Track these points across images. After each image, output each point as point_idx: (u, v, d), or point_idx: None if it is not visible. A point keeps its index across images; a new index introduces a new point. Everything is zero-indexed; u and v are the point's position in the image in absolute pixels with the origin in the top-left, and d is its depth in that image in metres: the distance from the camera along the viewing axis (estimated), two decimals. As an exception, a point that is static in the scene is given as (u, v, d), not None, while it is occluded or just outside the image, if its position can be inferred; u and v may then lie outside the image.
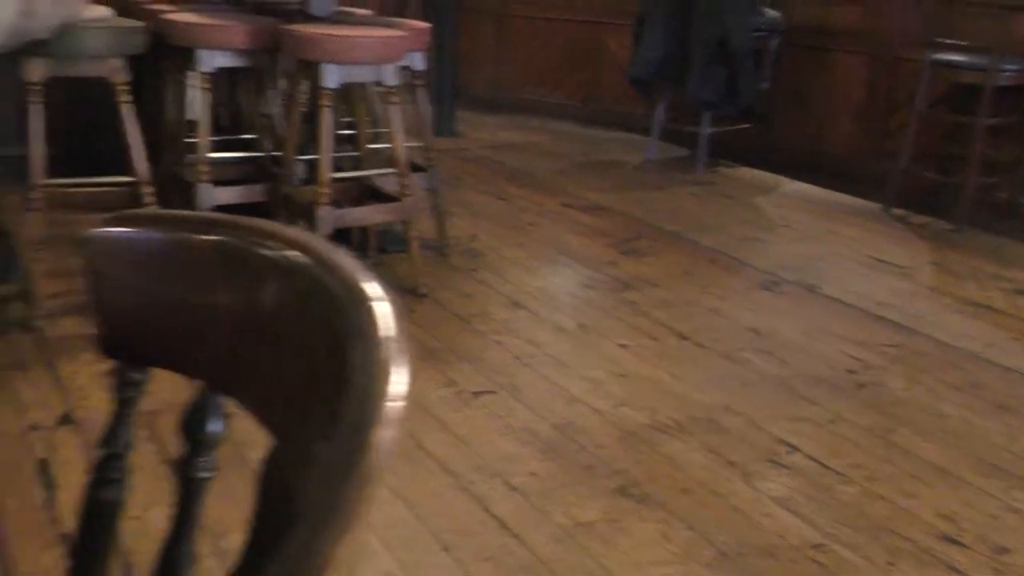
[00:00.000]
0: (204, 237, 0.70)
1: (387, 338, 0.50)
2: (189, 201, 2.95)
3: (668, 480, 2.02)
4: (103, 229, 0.75)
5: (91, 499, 0.76)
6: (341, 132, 3.16)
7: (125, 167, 3.03)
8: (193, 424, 0.71)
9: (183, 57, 2.88)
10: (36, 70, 2.43)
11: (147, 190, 2.66)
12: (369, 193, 3.11)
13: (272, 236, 0.63)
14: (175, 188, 3.03)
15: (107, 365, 0.76)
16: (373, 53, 2.69)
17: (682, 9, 4.32)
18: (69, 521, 1.69)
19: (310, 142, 3.09)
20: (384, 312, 0.52)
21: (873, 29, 4.37)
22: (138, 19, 2.69)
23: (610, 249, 3.51)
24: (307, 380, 0.56)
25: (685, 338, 2.75)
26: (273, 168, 3.18)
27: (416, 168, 3.09)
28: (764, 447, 2.18)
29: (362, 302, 0.54)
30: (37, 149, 2.52)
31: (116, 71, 2.51)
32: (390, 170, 3.02)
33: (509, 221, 3.77)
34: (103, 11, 2.62)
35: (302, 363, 0.57)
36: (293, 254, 0.60)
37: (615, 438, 2.18)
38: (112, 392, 0.76)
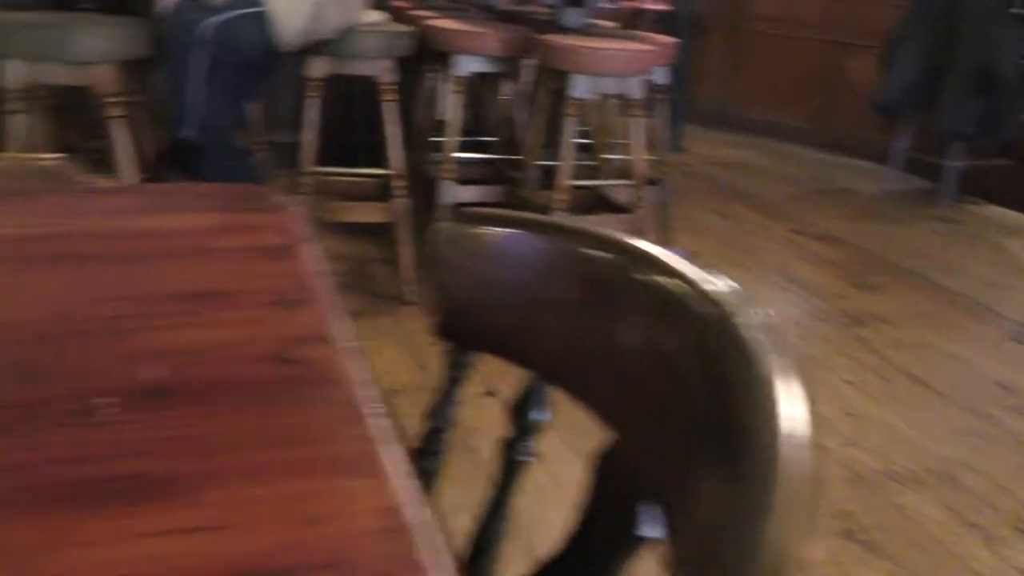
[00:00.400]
0: (544, 237, 0.75)
1: (770, 355, 0.52)
2: (431, 196, 3.13)
3: (899, 531, 1.92)
4: (449, 221, 0.82)
5: (414, 468, 0.84)
6: (578, 141, 3.23)
7: (378, 160, 3.27)
8: (521, 410, 0.77)
9: (440, 61, 3.05)
10: (317, 67, 2.66)
11: (399, 183, 2.85)
12: (600, 202, 3.17)
13: (630, 249, 0.67)
14: (419, 183, 3.23)
15: (442, 346, 0.83)
16: (623, 66, 2.73)
17: (943, 33, 4.07)
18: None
19: (549, 149, 3.19)
20: (759, 321, 0.55)
21: None
22: (405, 24, 2.88)
23: (841, 281, 3.38)
24: (669, 391, 0.59)
25: (921, 384, 2.60)
26: (511, 171, 3.31)
27: (649, 182, 3.12)
28: (1010, 512, 2.03)
29: (728, 311, 0.56)
30: (310, 139, 2.76)
31: (386, 71, 2.71)
32: (623, 181, 3.07)
33: (733, 242, 3.71)
34: (379, 16, 2.83)
35: (662, 373, 0.61)
36: (653, 270, 0.64)
37: (842, 478, 2.10)
38: (444, 371, 0.84)
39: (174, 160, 2.50)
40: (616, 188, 3.20)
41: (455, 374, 0.83)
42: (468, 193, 3.10)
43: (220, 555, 0.43)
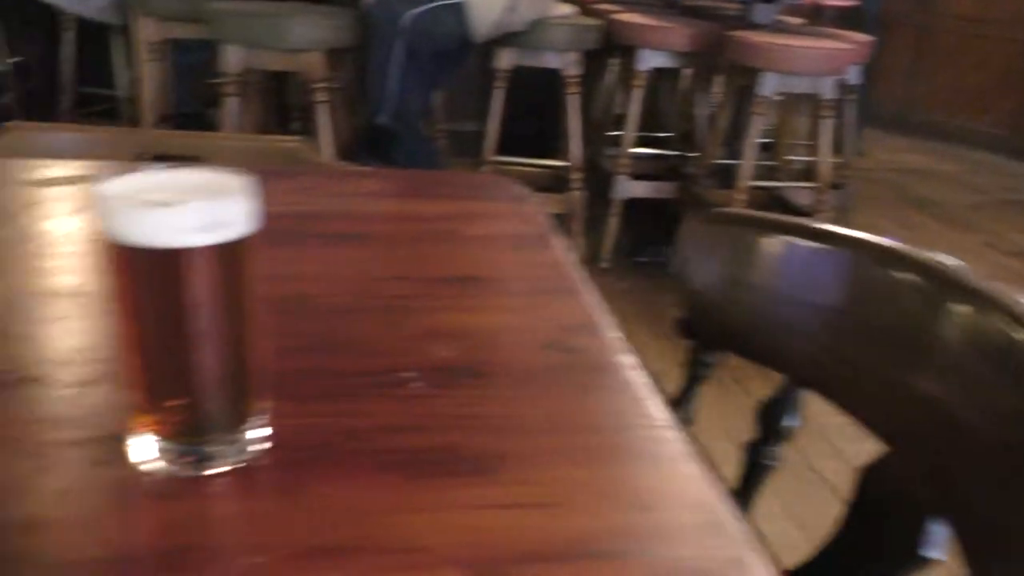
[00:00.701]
0: (809, 241, 0.75)
1: None
2: (603, 190, 3.13)
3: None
4: (697, 221, 0.83)
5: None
6: (759, 140, 3.16)
7: (551, 151, 3.30)
8: (771, 414, 0.77)
9: (624, 55, 3.05)
10: (505, 59, 2.72)
11: (576, 176, 2.87)
12: (778, 205, 3.09)
13: (895, 253, 0.66)
14: (592, 176, 3.24)
15: (685, 344, 0.84)
16: (816, 64, 2.65)
17: None
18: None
19: (727, 147, 3.13)
20: None
21: None
22: (592, 18, 2.89)
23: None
24: (963, 406, 0.58)
25: None
26: (686, 168, 3.28)
27: (832, 186, 3.01)
28: None
29: None
30: (493, 128, 2.82)
31: (571, 64, 2.73)
32: (804, 184, 2.98)
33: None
34: (568, 9, 2.86)
35: (944, 383, 0.59)
36: (926, 274, 0.62)
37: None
38: (685, 369, 0.85)
39: (368, 145, 2.62)
40: (795, 191, 3.11)
41: (697, 372, 0.84)
42: (641, 188, 3.09)
43: (559, 531, 0.46)
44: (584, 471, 0.51)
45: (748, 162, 2.75)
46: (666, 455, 0.53)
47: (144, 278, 0.44)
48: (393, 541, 0.44)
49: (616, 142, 3.18)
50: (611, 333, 0.68)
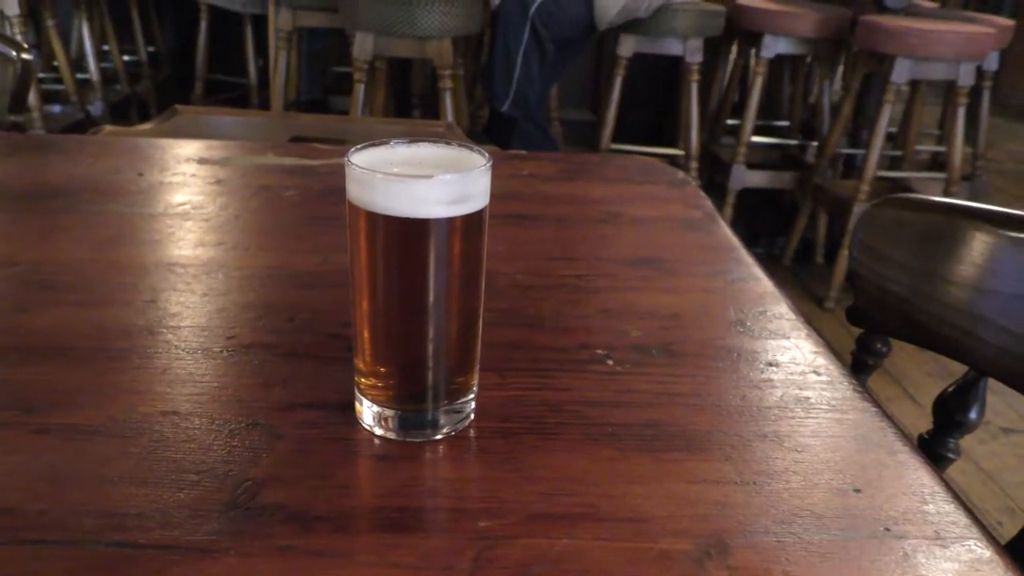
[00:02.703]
0: (996, 228, 0.72)
1: None
2: (717, 178, 3.08)
3: None
4: (877, 207, 0.81)
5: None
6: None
7: (669, 140, 3.27)
8: (953, 406, 0.75)
9: (747, 42, 2.99)
10: (627, 46, 2.70)
11: (693, 164, 2.83)
12: (904, 195, 2.98)
13: None
14: (708, 165, 3.19)
15: (861, 332, 0.83)
16: (955, 50, 2.54)
17: None
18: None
19: (853, 136, 3.04)
20: None
21: None
22: (721, 4, 2.84)
23: None
24: None
25: None
26: (803, 157, 3.19)
27: (963, 177, 2.89)
28: None
29: None
30: (611, 115, 2.81)
31: (694, 51, 2.70)
32: (933, 174, 2.87)
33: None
34: (693, -6, 2.82)
35: None
36: None
37: None
38: (853, 356, 0.83)
39: (489, 132, 2.65)
40: (923, 182, 3.00)
41: (868, 360, 0.82)
42: (758, 178, 3.03)
43: (778, 508, 0.46)
44: (791, 451, 0.51)
45: (875, 152, 2.66)
46: (872, 439, 0.53)
47: (390, 246, 0.46)
48: (618, 511, 0.45)
49: (733, 131, 3.12)
50: (792, 316, 0.68)
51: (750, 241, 3.13)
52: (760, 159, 3.20)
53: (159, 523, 0.42)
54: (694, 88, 2.78)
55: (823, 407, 0.56)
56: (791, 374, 0.59)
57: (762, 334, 0.64)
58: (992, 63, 2.87)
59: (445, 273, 0.46)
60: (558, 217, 0.87)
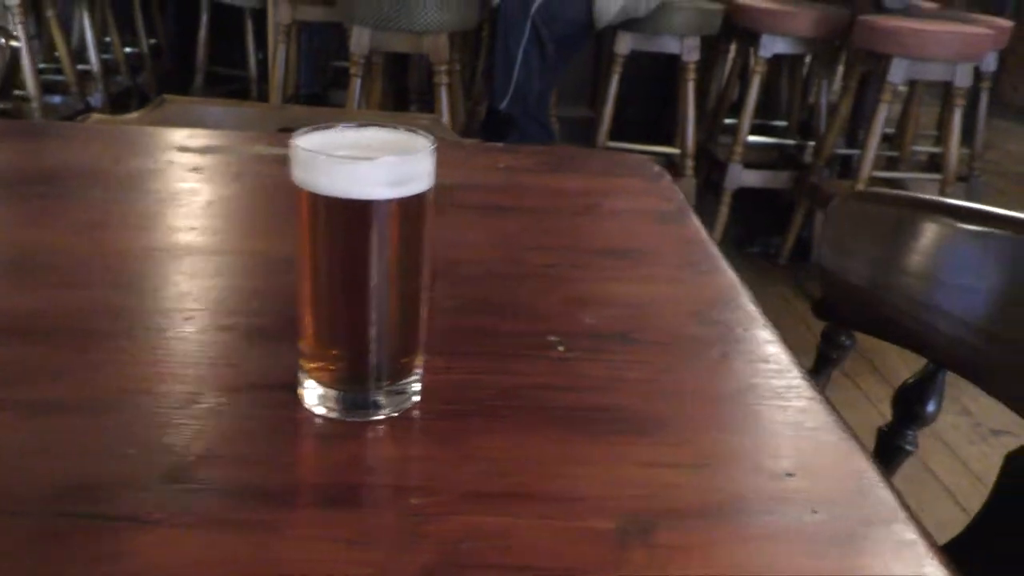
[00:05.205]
0: (960, 222, 0.73)
1: None
2: (714, 177, 3.09)
3: None
4: (844, 200, 0.82)
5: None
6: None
7: (662, 137, 3.27)
8: (911, 398, 0.76)
9: (744, 40, 2.99)
10: (624, 44, 2.71)
11: (689, 163, 2.84)
12: (900, 196, 2.98)
13: None
14: (705, 164, 3.20)
15: (826, 325, 0.83)
16: (951, 50, 2.54)
17: None
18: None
19: (850, 136, 3.04)
20: None
21: None
22: (718, 2, 2.85)
23: None
24: None
25: None
26: (801, 157, 3.19)
27: (959, 178, 2.89)
28: None
29: None
30: (608, 113, 2.82)
31: (691, 50, 2.70)
32: (929, 175, 2.87)
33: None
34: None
35: None
36: None
37: None
38: (819, 350, 0.84)
39: (487, 128, 2.65)
40: (919, 182, 3.00)
41: (833, 354, 0.83)
42: (754, 177, 3.03)
43: (709, 491, 0.47)
44: (734, 436, 0.52)
45: (870, 152, 2.66)
46: (811, 424, 0.53)
47: (332, 227, 0.47)
48: (552, 490, 0.46)
49: (730, 129, 3.12)
50: (751, 308, 0.68)
51: (746, 240, 3.15)
52: (757, 158, 3.20)
53: (95, 495, 0.43)
54: (691, 87, 2.78)
55: (768, 395, 0.56)
56: (742, 363, 0.60)
57: (719, 324, 0.65)
58: (990, 64, 2.87)
59: (386, 254, 0.47)
60: (532, 208, 0.88)
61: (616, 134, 2.92)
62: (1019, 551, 0.64)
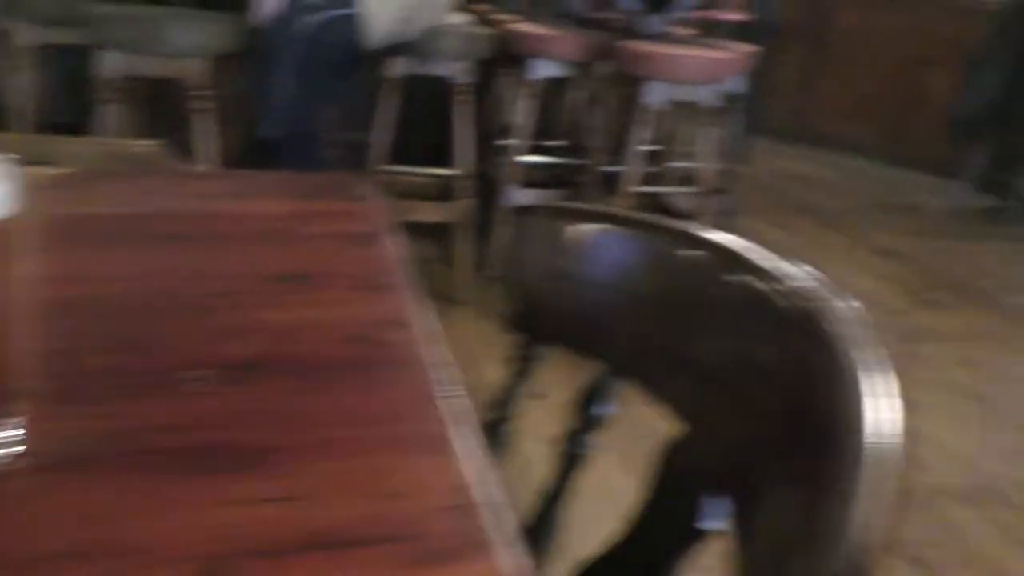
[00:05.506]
0: (628, 232, 0.79)
1: (858, 349, 0.55)
2: (494, 198, 3.17)
3: (947, 548, 1.91)
4: (528, 215, 0.86)
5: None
6: (645, 147, 3.24)
7: (443, 160, 3.32)
8: (586, 402, 0.80)
9: (514, 64, 3.10)
10: (396, 67, 2.73)
11: (465, 184, 2.90)
12: (662, 210, 3.18)
13: (709, 244, 0.70)
14: (482, 185, 3.27)
15: (513, 339, 0.87)
16: (699, 74, 2.75)
17: (1025, 52, 4.00)
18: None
19: (616, 154, 3.21)
20: (846, 315, 0.57)
21: None
22: (488, 27, 2.93)
23: (900, 297, 3.33)
24: (749, 383, 0.62)
25: (979, 401, 2.57)
26: (575, 177, 3.34)
27: (714, 191, 3.12)
28: (1066, 534, 1.99)
29: (814, 306, 0.59)
30: (383, 137, 2.83)
31: (462, 73, 2.76)
32: (688, 189, 3.08)
33: (793, 255, 3.66)
34: (463, 18, 2.89)
35: (741, 365, 0.64)
36: (732, 261, 0.67)
37: (896, 495, 2.09)
38: (511, 364, 0.88)
39: (255, 156, 2.59)
40: (680, 196, 3.21)
41: (523, 367, 0.87)
42: (531, 196, 3.14)
43: (301, 523, 0.47)
44: (347, 463, 0.52)
45: (633, 169, 2.83)
46: (435, 446, 0.54)
47: None
48: (126, 543, 0.44)
49: (507, 151, 3.22)
50: (425, 328, 0.70)
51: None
52: (538, 178, 3.31)
53: None
54: (465, 109, 2.85)
55: (405, 416, 0.58)
56: (390, 385, 0.62)
57: (381, 346, 0.67)
58: (738, 86, 3.11)
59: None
60: (221, 235, 0.86)
61: (398, 158, 2.94)
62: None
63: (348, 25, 2.47)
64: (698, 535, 0.65)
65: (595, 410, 0.80)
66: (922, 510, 2.03)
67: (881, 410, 0.52)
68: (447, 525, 0.48)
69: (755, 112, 4.79)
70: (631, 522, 0.72)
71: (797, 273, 0.63)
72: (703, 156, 2.89)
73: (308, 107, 2.52)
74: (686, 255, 0.71)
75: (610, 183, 3.28)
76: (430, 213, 2.95)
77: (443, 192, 3.00)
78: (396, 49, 2.66)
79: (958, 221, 4.36)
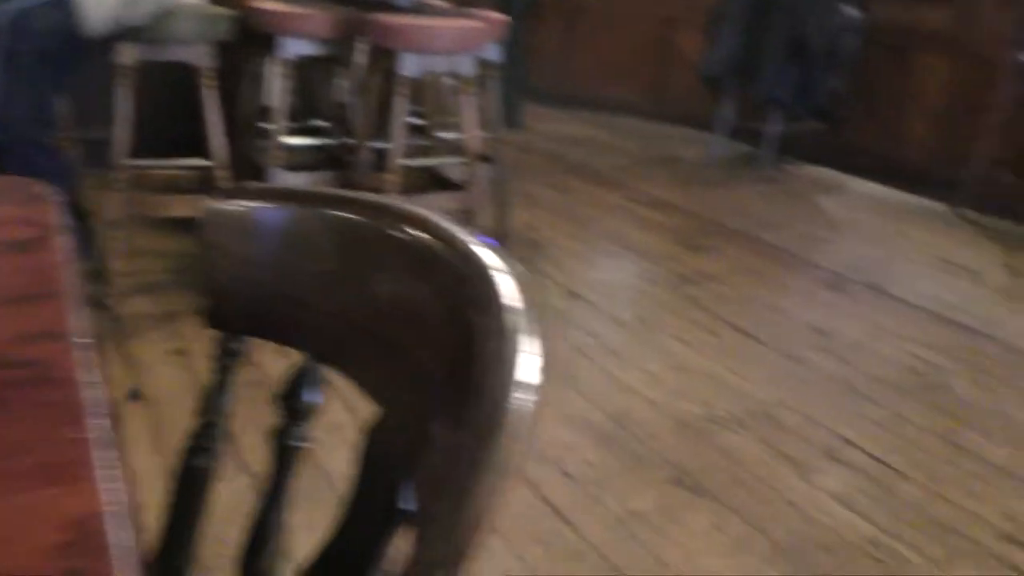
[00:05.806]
0: (319, 210, 0.75)
1: (514, 309, 0.54)
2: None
3: (722, 472, 2.04)
4: (219, 202, 0.80)
5: (185, 466, 0.81)
6: (410, 121, 3.22)
7: (202, 150, 3.14)
8: (291, 394, 0.76)
9: (265, 44, 2.96)
10: (128, 54, 2.53)
11: (222, 173, 2.75)
12: (436, 181, 3.17)
13: (387, 211, 0.68)
14: (248, 171, 3.13)
15: (212, 335, 0.81)
16: (452, 43, 2.74)
17: (760, 7, 4.31)
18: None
19: (382, 130, 3.16)
20: (510, 283, 0.56)
21: (959, 29, 4.28)
22: (228, 7, 2.78)
23: (671, 244, 3.52)
24: (425, 353, 0.60)
25: (745, 334, 2.76)
26: (344, 156, 3.26)
27: (482, 159, 3.15)
28: (822, 444, 2.18)
29: (485, 275, 0.58)
30: (123, 131, 2.62)
31: (202, 56, 2.61)
32: (458, 159, 3.08)
33: (569, 213, 3.80)
34: (196, -1, 2.72)
35: (418, 335, 0.62)
36: (410, 228, 0.65)
37: (669, 429, 2.21)
38: (213, 362, 0.82)
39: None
40: (450, 167, 3.21)
41: (226, 363, 0.82)
42: (299, 180, 3.03)
43: None
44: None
45: (398, 143, 2.79)
46: (64, 471, 0.49)
47: None
48: None
49: (267, 135, 3.09)
50: (77, 339, 0.63)
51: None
52: (308, 161, 3.21)
53: None
54: (212, 95, 2.69)
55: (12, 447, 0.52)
56: (26, 409, 0.55)
57: (22, 366, 0.59)
58: (495, 54, 3.13)
59: None
60: None
61: (146, 151, 2.74)
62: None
63: (60, 11, 2.26)
64: (398, 519, 0.63)
65: (302, 400, 0.77)
66: (698, 441, 2.16)
67: (525, 367, 0.52)
68: (53, 566, 0.43)
69: (517, 79, 4.89)
70: (341, 516, 0.69)
71: (466, 239, 0.62)
72: (466, 125, 2.89)
73: (23, 102, 2.29)
74: (350, 220, 0.69)
75: (380, 160, 3.23)
76: (188, 207, 2.78)
77: (205, 184, 2.83)
78: (123, 35, 2.46)
79: (718, 169, 4.66)
